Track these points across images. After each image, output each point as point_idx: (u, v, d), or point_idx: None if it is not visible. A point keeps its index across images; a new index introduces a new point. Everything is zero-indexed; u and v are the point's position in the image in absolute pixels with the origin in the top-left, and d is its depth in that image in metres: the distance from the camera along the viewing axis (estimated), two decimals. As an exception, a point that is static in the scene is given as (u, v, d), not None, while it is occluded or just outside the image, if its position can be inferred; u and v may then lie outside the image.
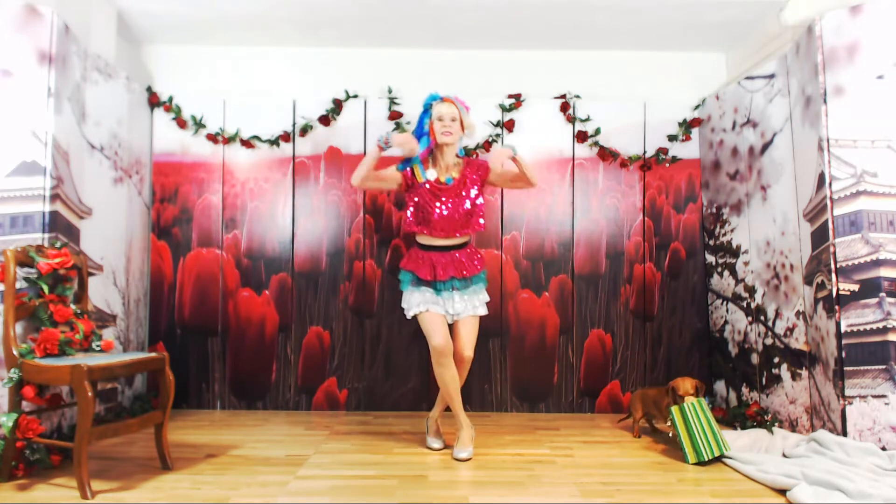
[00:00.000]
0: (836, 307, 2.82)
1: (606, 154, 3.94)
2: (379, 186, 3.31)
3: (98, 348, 2.70)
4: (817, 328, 2.98)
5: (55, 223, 2.84)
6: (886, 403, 2.74)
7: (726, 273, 3.74)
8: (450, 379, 2.89)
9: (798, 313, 3.14)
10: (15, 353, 2.44)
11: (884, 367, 2.75)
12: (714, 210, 3.86)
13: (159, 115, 3.96)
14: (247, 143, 3.93)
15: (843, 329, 2.80)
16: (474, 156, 3.90)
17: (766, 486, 2.45)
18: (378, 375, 3.89)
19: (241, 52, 4.16)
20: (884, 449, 2.69)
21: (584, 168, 3.97)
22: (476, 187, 3.02)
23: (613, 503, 2.29)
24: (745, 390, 3.57)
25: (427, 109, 3.03)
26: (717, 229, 3.83)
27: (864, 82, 2.84)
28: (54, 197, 2.83)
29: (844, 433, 2.77)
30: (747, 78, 3.54)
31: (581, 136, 3.95)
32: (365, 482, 2.50)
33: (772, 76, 3.33)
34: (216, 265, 3.91)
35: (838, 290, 2.82)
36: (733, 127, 3.66)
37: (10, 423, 2.41)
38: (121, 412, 3.43)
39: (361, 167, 2.92)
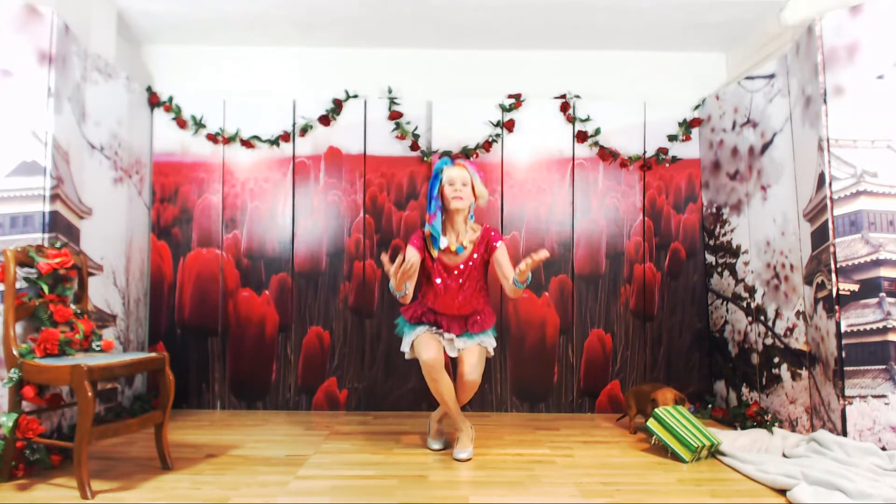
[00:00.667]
0: (836, 307, 2.82)
1: (606, 154, 3.94)
2: (416, 271, 2.83)
3: (98, 348, 2.70)
4: (817, 328, 2.98)
5: (55, 223, 2.84)
6: (886, 403, 2.74)
7: (726, 273, 3.74)
8: (445, 390, 2.84)
9: (798, 313, 3.14)
10: (15, 353, 2.44)
11: (884, 367, 2.75)
12: (714, 210, 3.86)
13: (159, 115, 3.96)
14: (247, 143, 3.93)
15: (843, 329, 2.80)
16: (474, 156, 3.91)
17: (766, 485, 2.45)
18: (378, 375, 3.89)
19: (241, 52, 4.17)
20: (884, 449, 2.69)
21: (584, 168, 3.97)
22: (481, 261, 2.93)
23: (613, 503, 2.29)
24: (745, 390, 3.57)
25: (438, 174, 2.91)
26: (717, 229, 3.83)
27: (864, 82, 2.84)
28: (54, 197, 2.83)
29: (844, 433, 2.77)
30: (747, 78, 3.54)
31: (581, 136, 3.95)
32: (365, 482, 2.50)
33: (772, 76, 3.33)
34: (216, 265, 3.91)
35: (838, 290, 2.82)
36: (733, 127, 3.66)
37: (10, 423, 2.41)
38: (121, 412, 3.43)
39: (393, 282, 2.70)
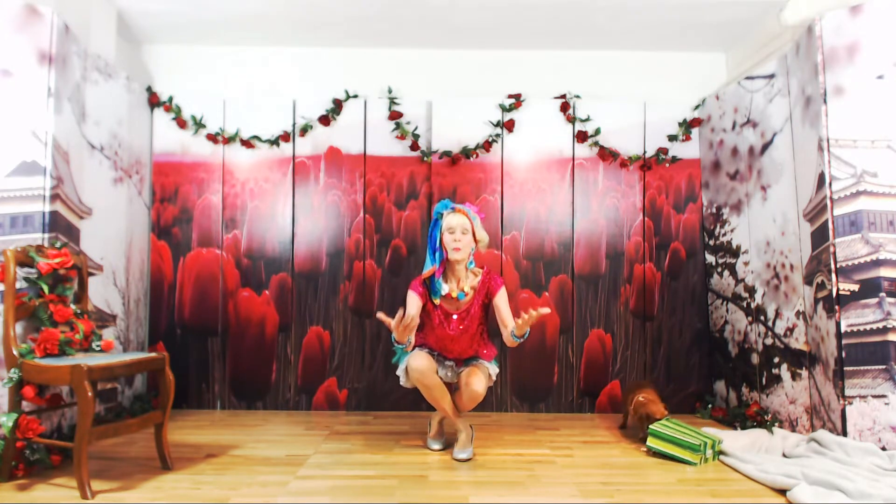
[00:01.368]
0: (836, 307, 2.82)
1: (606, 154, 3.94)
2: (416, 324, 2.76)
3: (98, 348, 2.70)
4: (817, 328, 2.98)
5: (55, 223, 2.84)
6: (886, 403, 2.74)
7: (726, 273, 3.74)
8: (439, 394, 2.83)
9: (798, 313, 3.14)
10: (15, 353, 2.44)
11: (884, 367, 2.75)
12: (714, 210, 3.86)
13: (159, 115, 3.96)
14: (247, 143, 3.93)
15: (843, 329, 2.80)
16: (474, 156, 3.91)
17: (766, 485, 2.45)
18: (378, 375, 3.89)
19: (241, 52, 4.17)
20: (884, 449, 2.69)
21: (584, 168, 3.97)
22: (482, 304, 2.91)
23: (613, 503, 2.29)
24: (745, 390, 3.57)
25: (437, 221, 2.88)
26: (717, 229, 3.83)
27: (864, 82, 2.84)
28: (54, 197, 2.83)
29: (844, 433, 2.77)
30: (747, 78, 3.54)
31: (581, 136, 3.95)
32: (365, 482, 2.50)
33: (772, 76, 3.33)
34: (216, 265, 3.91)
35: (838, 290, 2.82)
36: (733, 127, 3.66)
37: (10, 423, 2.41)
38: (121, 412, 3.43)
39: (395, 335, 2.67)
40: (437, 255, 2.86)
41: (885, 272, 2.78)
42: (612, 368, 3.91)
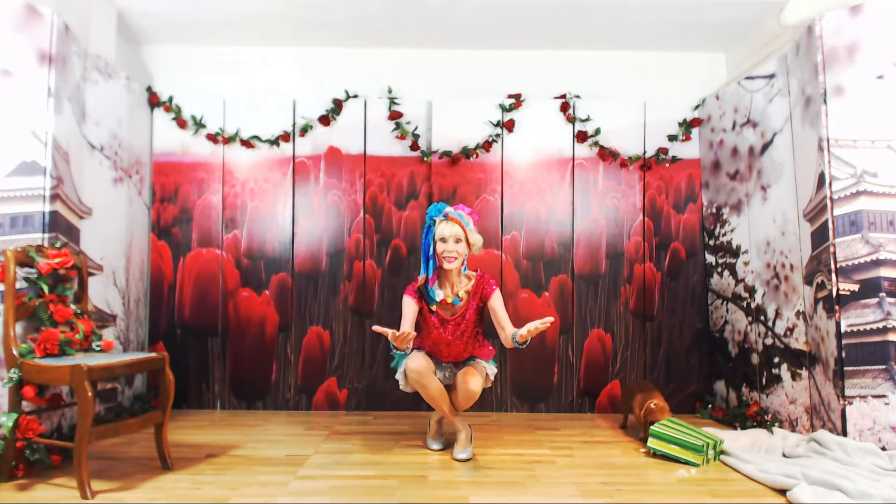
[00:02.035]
0: (836, 307, 2.82)
1: (606, 154, 3.94)
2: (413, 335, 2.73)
3: (98, 348, 2.70)
4: (817, 328, 2.98)
5: (55, 223, 2.84)
6: (886, 403, 2.73)
7: (726, 273, 3.74)
8: (436, 394, 2.83)
9: (798, 313, 3.14)
10: (15, 353, 2.44)
11: (884, 367, 2.75)
12: (714, 210, 3.86)
13: (159, 115, 3.96)
14: (247, 143, 3.93)
15: (843, 329, 2.80)
16: (474, 156, 3.91)
17: (766, 485, 2.45)
18: (378, 375, 3.89)
19: (241, 52, 4.17)
20: (884, 449, 2.69)
21: (584, 168, 3.97)
22: (477, 308, 2.91)
23: (613, 503, 2.29)
24: (745, 390, 3.57)
25: (430, 226, 2.87)
26: (717, 229, 3.83)
27: (864, 82, 2.84)
28: (54, 197, 2.83)
29: (844, 433, 2.77)
30: (747, 78, 3.54)
31: (581, 136, 3.95)
32: (365, 482, 2.50)
33: (772, 76, 3.33)
34: (216, 265, 3.91)
35: (838, 290, 2.82)
36: (733, 127, 3.66)
37: (10, 423, 2.41)
38: (121, 412, 3.43)
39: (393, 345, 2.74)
40: (431, 263, 2.86)
41: (885, 272, 2.78)
42: (612, 368, 3.91)
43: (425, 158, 3.93)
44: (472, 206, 3.86)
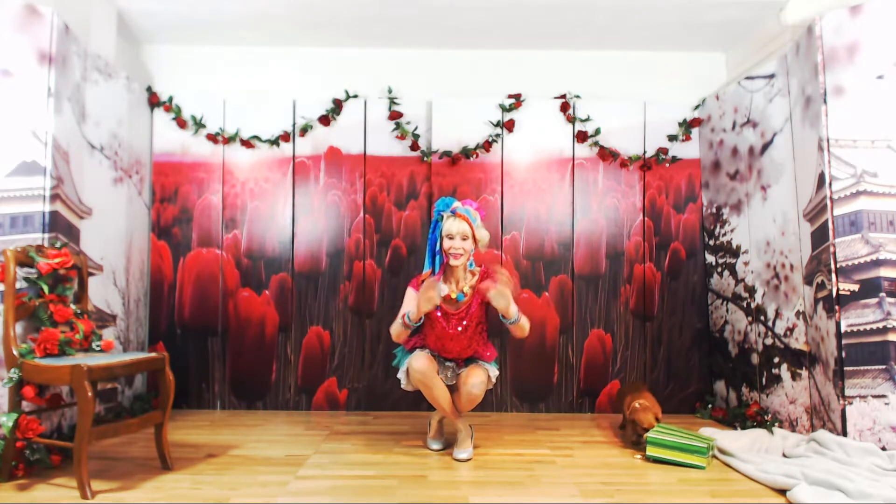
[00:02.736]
0: (836, 307, 2.82)
1: (606, 154, 3.94)
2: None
3: (98, 348, 2.70)
4: (817, 328, 2.98)
5: (55, 223, 2.84)
6: (886, 403, 2.73)
7: (726, 273, 3.74)
8: (439, 394, 2.82)
9: (798, 313, 3.14)
10: (15, 353, 2.44)
11: (884, 367, 2.75)
12: (714, 210, 3.86)
13: (159, 115, 3.96)
14: (247, 143, 3.93)
15: (843, 329, 2.80)
16: (474, 156, 3.91)
17: (766, 485, 2.45)
18: (378, 375, 3.89)
19: (241, 52, 4.17)
20: (884, 449, 2.69)
21: (584, 168, 3.97)
22: (482, 303, 2.89)
23: (613, 503, 2.29)
24: (745, 390, 3.57)
25: (438, 221, 2.87)
26: (717, 229, 3.83)
27: (864, 82, 2.84)
28: (54, 197, 2.83)
29: (844, 433, 2.77)
30: (747, 78, 3.54)
31: (581, 136, 3.95)
32: (365, 482, 2.50)
33: (772, 76, 3.33)
34: (216, 265, 3.91)
35: (838, 290, 2.82)
36: (733, 127, 3.66)
37: (10, 423, 2.40)
38: (121, 412, 3.43)
39: (395, 332, 2.82)
40: (437, 258, 2.87)
41: (885, 272, 2.78)
42: (612, 368, 3.91)
43: (425, 158, 3.93)
44: (472, 206, 3.86)
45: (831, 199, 2.84)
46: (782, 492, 2.38)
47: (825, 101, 2.87)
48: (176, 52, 4.15)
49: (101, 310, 3.29)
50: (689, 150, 4.00)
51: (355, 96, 3.98)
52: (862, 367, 2.77)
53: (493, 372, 2.93)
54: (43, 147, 2.80)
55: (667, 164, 3.98)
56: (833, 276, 2.83)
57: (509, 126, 3.93)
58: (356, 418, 3.68)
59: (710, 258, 3.91)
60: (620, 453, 2.97)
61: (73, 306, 2.71)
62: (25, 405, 2.53)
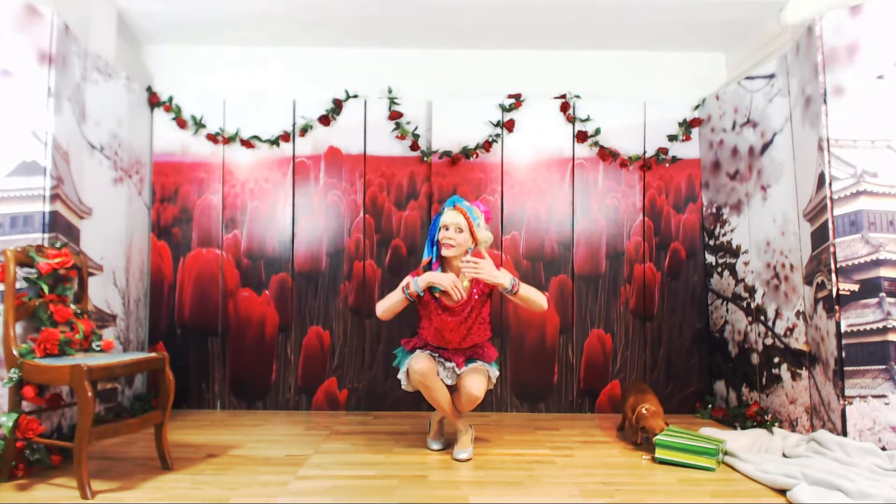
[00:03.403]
0: (836, 307, 2.82)
1: (606, 154, 3.94)
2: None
3: (98, 348, 2.70)
4: (817, 328, 2.98)
5: (55, 223, 2.84)
6: (886, 403, 2.74)
7: (726, 273, 3.74)
8: (439, 395, 2.83)
9: (798, 313, 3.14)
10: (15, 353, 2.44)
11: (884, 367, 2.75)
12: (714, 210, 3.86)
13: (159, 115, 3.96)
14: (247, 143, 3.93)
15: (843, 329, 2.80)
16: (474, 156, 3.91)
17: (766, 485, 2.45)
18: (378, 375, 3.89)
19: (241, 52, 4.17)
20: (884, 449, 2.69)
21: (584, 168, 3.97)
22: (483, 294, 2.89)
23: (613, 503, 2.29)
24: (745, 390, 3.57)
25: (441, 213, 2.89)
26: (717, 229, 3.83)
27: (864, 82, 2.84)
28: (54, 197, 2.83)
29: (844, 433, 2.77)
30: (747, 78, 3.54)
31: (581, 136, 3.95)
32: (365, 482, 2.50)
33: (772, 76, 3.33)
34: (216, 265, 3.91)
35: (838, 290, 2.82)
36: (733, 127, 3.66)
37: (10, 423, 2.40)
38: (121, 412, 3.43)
39: (386, 304, 2.83)
40: (435, 249, 2.89)
41: (885, 272, 2.78)
42: (612, 368, 3.91)
43: (425, 158, 3.93)
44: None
45: (831, 199, 2.84)
46: (782, 492, 2.38)
47: (825, 101, 2.87)
48: (176, 52, 4.15)
49: (101, 310, 3.29)
50: (689, 150, 4.00)
51: (355, 96, 3.98)
52: (862, 367, 2.77)
53: (494, 372, 2.93)
54: (43, 147, 2.80)
55: (667, 164, 3.98)
56: (833, 276, 2.83)
57: (509, 126, 3.93)
58: (356, 418, 3.68)
59: (710, 258, 3.91)
60: (621, 453, 2.97)
61: (73, 306, 2.71)
62: (25, 405, 2.53)
